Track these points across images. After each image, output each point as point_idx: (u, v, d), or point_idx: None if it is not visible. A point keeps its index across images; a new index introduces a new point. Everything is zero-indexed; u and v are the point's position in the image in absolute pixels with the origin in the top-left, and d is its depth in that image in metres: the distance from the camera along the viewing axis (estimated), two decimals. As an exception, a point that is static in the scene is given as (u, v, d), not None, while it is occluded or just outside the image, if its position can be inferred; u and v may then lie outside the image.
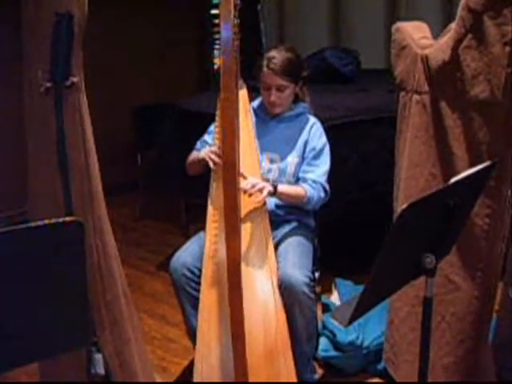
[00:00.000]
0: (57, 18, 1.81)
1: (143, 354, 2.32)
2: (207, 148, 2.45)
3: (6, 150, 2.07)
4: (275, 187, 2.39)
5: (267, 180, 2.49)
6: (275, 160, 2.54)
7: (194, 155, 2.58)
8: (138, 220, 4.78)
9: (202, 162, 2.42)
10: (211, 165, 2.36)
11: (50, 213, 1.89)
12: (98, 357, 2.00)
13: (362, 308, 1.53)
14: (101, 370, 2.02)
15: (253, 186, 2.29)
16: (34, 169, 2.05)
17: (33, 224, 1.27)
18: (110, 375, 2.07)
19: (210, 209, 2.43)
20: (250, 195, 2.30)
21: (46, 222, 1.28)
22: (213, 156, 2.35)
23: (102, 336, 2.06)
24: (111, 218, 2.21)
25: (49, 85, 1.87)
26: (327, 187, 2.51)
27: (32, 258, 1.31)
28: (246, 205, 2.34)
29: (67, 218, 1.32)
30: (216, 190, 2.42)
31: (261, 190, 2.31)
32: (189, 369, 2.67)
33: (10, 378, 2.50)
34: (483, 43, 1.94)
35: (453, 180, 1.62)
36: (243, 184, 2.28)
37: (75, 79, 1.90)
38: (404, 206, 1.42)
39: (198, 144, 2.65)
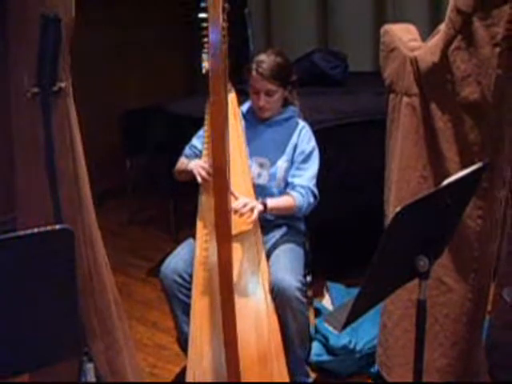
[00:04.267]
0: (44, 21, 1.79)
1: (135, 363, 2.30)
2: (196, 161, 2.43)
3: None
4: (265, 205, 2.37)
5: (257, 186, 2.48)
6: (265, 165, 2.53)
7: (183, 164, 2.56)
8: (127, 226, 4.75)
9: (190, 174, 2.40)
10: (199, 179, 2.34)
11: (39, 221, 1.86)
12: (89, 366, 1.98)
13: (356, 312, 1.52)
14: (92, 379, 2.00)
15: (243, 206, 2.28)
16: (22, 176, 2.02)
17: (22, 232, 1.25)
18: (101, 384, 2.05)
19: (199, 216, 2.42)
20: (241, 215, 2.28)
21: (36, 230, 1.26)
22: (202, 172, 2.33)
23: (93, 345, 2.04)
24: (100, 224, 2.18)
25: (35, 90, 1.84)
26: (316, 191, 2.50)
27: (21, 266, 1.29)
28: (236, 220, 2.32)
29: (56, 226, 1.30)
30: (204, 198, 2.40)
31: (252, 209, 2.30)
32: (181, 375, 2.65)
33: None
34: (473, 45, 1.94)
35: (445, 182, 1.61)
36: (234, 204, 2.26)
37: (63, 84, 1.88)
38: (397, 209, 1.41)
39: (187, 149, 2.63)
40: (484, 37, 1.90)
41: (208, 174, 2.31)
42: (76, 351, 1.55)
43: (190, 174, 2.41)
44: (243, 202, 2.28)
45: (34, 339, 1.35)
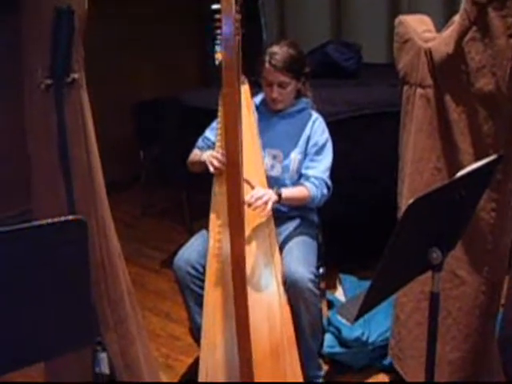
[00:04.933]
0: (57, 13, 1.79)
1: (148, 353, 2.31)
2: (209, 152, 2.44)
3: (4, 149, 2.06)
4: (279, 195, 2.37)
5: (271, 178, 2.48)
6: (278, 157, 2.53)
7: (196, 156, 2.57)
8: (141, 217, 4.77)
9: (204, 165, 2.40)
10: (211, 169, 2.34)
11: (53, 212, 1.87)
12: (103, 356, 1.99)
13: (368, 304, 1.52)
14: (105, 370, 2.01)
15: (257, 200, 2.28)
16: (36, 167, 2.03)
17: (36, 223, 1.26)
18: (115, 374, 2.06)
19: (212, 207, 2.42)
20: (255, 208, 2.28)
21: (49, 220, 1.26)
22: (214, 161, 2.33)
23: (106, 335, 2.05)
24: (113, 215, 2.19)
25: (49, 82, 1.85)
26: (329, 183, 2.50)
27: (35, 257, 1.30)
28: (250, 214, 2.32)
29: (70, 217, 1.31)
30: (218, 189, 2.41)
31: (266, 202, 2.29)
32: (194, 366, 2.66)
33: (15, 377, 2.50)
34: (488, 35, 1.92)
35: (459, 174, 1.60)
36: (247, 198, 2.26)
37: (76, 75, 1.88)
38: (411, 200, 1.41)
39: (200, 141, 2.64)
40: (499, 27, 1.88)
41: (220, 163, 2.30)
42: (89, 341, 1.56)
43: (203, 165, 2.41)
44: (256, 195, 2.28)
45: (47, 329, 1.36)
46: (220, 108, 2.42)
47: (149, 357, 2.30)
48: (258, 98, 2.63)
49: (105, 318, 2.05)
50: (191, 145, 2.66)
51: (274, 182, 2.48)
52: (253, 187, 2.33)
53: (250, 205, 2.26)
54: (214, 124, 2.56)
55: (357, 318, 1.53)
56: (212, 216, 2.42)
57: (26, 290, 1.31)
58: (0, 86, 2.01)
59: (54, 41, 1.80)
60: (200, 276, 2.40)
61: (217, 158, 2.33)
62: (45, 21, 1.80)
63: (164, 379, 2.65)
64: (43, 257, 1.30)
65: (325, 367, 2.68)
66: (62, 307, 1.38)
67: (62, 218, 1.29)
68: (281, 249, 2.42)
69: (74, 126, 1.92)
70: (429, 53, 2.13)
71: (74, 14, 1.84)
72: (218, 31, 2.10)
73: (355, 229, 3.28)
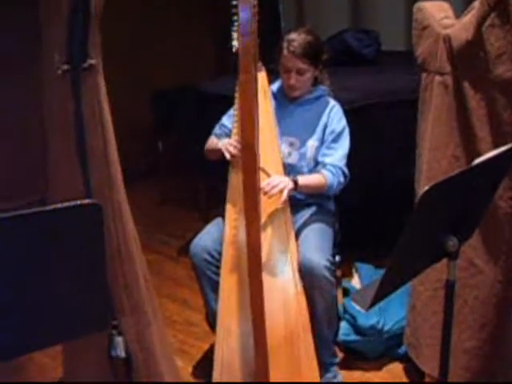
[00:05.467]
0: (74, -1, 1.80)
1: (164, 338, 2.33)
2: (225, 140, 2.44)
3: (19, 137, 2.07)
4: (295, 182, 2.37)
5: (287, 166, 2.47)
6: (295, 144, 2.52)
7: (213, 143, 2.57)
8: (159, 205, 4.79)
9: (220, 152, 2.41)
10: (228, 156, 2.35)
11: (70, 197, 1.88)
12: (119, 340, 2.01)
13: (383, 291, 1.51)
14: (122, 353, 2.03)
15: (273, 187, 2.27)
16: (53, 155, 2.05)
17: (51, 207, 1.27)
18: (131, 358, 2.08)
19: (228, 195, 2.43)
20: (271, 196, 2.28)
21: (65, 204, 1.27)
22: (230, 148, 2.33)
23: (122, 321, 2.06)
24: (132, 203, 2.20)
25: (66, 67, 1.85)
26: (346, 171, 2.49)
27: (51, 240, 1.31)
28: (265, 201, 2.32)
29: (85, 201, 1.32)
30: (234, 177, 2.41)
31: (281, 190, 2.29)
32: (210, 352, 2.68)
33: (32, 359, 2.53)
34: (507, 22, 1.89)
35: (476, 161, 1.59)
36: (263, 184, 2.26)
37: (93, 61, 1.88)
38: (426, 187, 1.40)
39: (217, 128, 2.64)
40: (519, 13, 1.85)
41: (237, 150, 2.31)
42: (105, 324, 1.58)
43: (220, 153, 2.41)
44: (272, 183, 2.28)
45: (63, 311, 1.38)
46: (237, 95, 2.41)
47: (164, 342, 2.32)
48: (275, 86, 2.62)
49: (120, 302, 2.07)
50: (209, 133, 2.66)
51: (290, 170, 2.48)
52: (269, 175, 2.33)
53: (265, 193, 2.26)
54: (231, 111, 2.56)
55: (371, 305, 1.53)
56: (228, 203, 2.43)
57: (41, 273, 1.32)
58: (20, 74, 2.02)
59: (71, 26, 1.80)
60: (216, 263, 2.41)
61: (233, 145, 2.33)
62: (62, 6, 1.81)
63: (180, 364, 2.67)
64: (59, 240, 1.31)
65: (340, 355, 2.68)
66: (78, 291, 1.39)
67: (78, 202, 1.30)
68: (297, 236, 2.42)
69: (91, 111, 1.92)
70: (447, 39, 2.11)
71: (90, 0, 1.84)
72: (235, 17, 2.09)
73: (372, 217, 3.27)
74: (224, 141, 2.44)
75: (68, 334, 1.44)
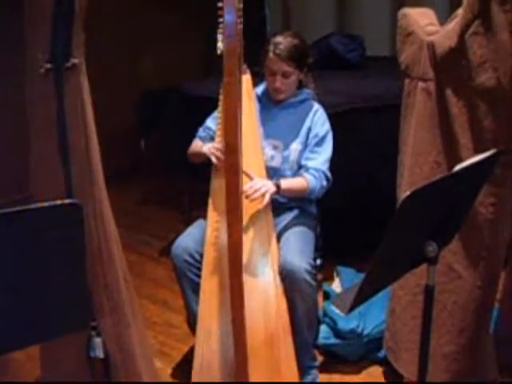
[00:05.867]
0: (57, -2, 1.79)
1: (143, 339, 2.32)
2: (209, 144, 2.44)
3: (5, 136, 2.06)
4: (278, 186, 2.37)
5: (271, 169, 2.48)
6: (278, 147, 2.53)
7: (197, 147, 2.57)
8: (141, 205, 4.77)
9: (204, 157, 2.41)
10: (214, 160, 2.35)
11: (52, 196, 1.88)
12: (98, 341, 2.00)
13: (362, 296, 1.52)
14: (100, 354, 2.02)
15: (255, 191, 2.28)
16: (36, 153, 2.03)
17: (31, 206, 1.26)
18: (110, 359, 2.07)
19: (211, 196, 2.43)
20: (253, 200, 2.29)
21: (45, 204, 1.27)
22: (216, 152, 2.33)
23: (101, 321, 2.06)
24: (113, 202, 2.20)
25: (49, 66, 1.84)
26: (329, 175, 2.50)
27: (31, 240, 1.30)
28: (247, 204, 2.32)
29: (66, 201, 1.31)
30: (216, 179, 2.41)
31: (263, 194, 2.29)
32: (190, 354, 2.67)
33: (11, 359, 2.51)
34: (490, 30, 1.91)
35: (457, 168, 1.60)
36: (246, 187, 2.26)
37: (76, 61, 1.88)
38: (407, 193, 1.40)
39: (201, 131, 2.63)
40: (502, 22, 1.87)
41: (222, 153, 2.31)
42: (84, 325, 1.57)
43: (204, 157, 2.41)
44: (255, 186, 2.28)
45: (42, 312, 1.37)
46: (221, 97, 2.41)
47: (144, 343, 2.31)
48: (260, 89, 2.62)
49: (100, 303, 2.06)
50: (192, 134, 2.66)
51: (273, 173, 2.49)
52: (251, 178, 2.33)
53: (247, 196, 2.26)
54: (216, 113, 2.56)
55: (351, 309, 1.53)
56: (210, 204, 2.43)
57: (21, 273, 1.31)
58: (6, 75, 2.01)
59: (54, 25, 1.79)
60: (197, 264, 2.40)
61: (218, 149, 2.33)
62: (45, 5, 1.80)
63: (159, 366, 2.67)
64: (38, 240, 1.30)
65: (319, 358, 2.69)
66: (58, 291, 1.38)
67: (58, 202, 1.29)
68: (278, 239, 2.42)
69: (73, 111, 1.92)
70: (431, 46, 2.12)
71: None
72: (220, 19, 2.09)
73: (354, 221, 3.29)
74: (208, 145, 2.44)
75: (48, 334, 1.43)
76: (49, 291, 1.37)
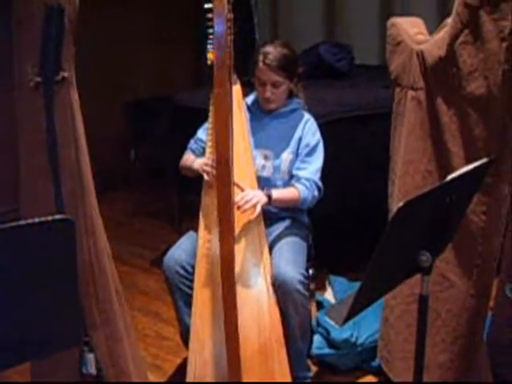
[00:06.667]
0: (47, 11, 1.78)
1: (136, 353, 2.30)
2: (200, 160, 2.43)
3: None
4: (269, 196, 2.37)
5: (262, 179, 2.47)
6: (269, 157, 2.52)
7: (188, 161, 2.56)
8: (132, 216, 4.75)
9: (196, 172, 2.41)
10: (206, 177, 2.34)
11: (42, 211, 1.86)
12: (90, 356, 1.98)
13: (357, 307, 1.51)
14: (92, 370, 2.00)
15: (246, 202, 2.27)
16: (25, 167, 2.02)
17: (22, 222, 1.25)
18: (102, 375, 2.05)
19: (202, 207, 2.42)
20: (244, 211, 2.28)
21: (36, 220, 1.25)
22: (207, 168, 2.33)
23: (94, 335, 2.04)
24: (104, 214, 2.18)
25: (38, 79, 1.83)
26: (320, 185, 2.50)
27: (22, 256, 1.29)
28: (239, 215, 2.32)
29: (57, 216, 1.30)
30: (208, 190, 2.40)
31: (255, 205, 2.29)
32: (182, 366, 2.65)
33: (1, 377, 2.48)
34: (480, 39, 1.92)
35: (449, 177, 1.60)
36: (237, 199, 2.26)
37: (66, 74, 1.87)
38: (400, 203, 1.40)
39: (192, 143, 2.63)
40: (491, 31, 1.88)
41: (213, 168, 2.30)
42: (76, 341, 1.55)
43: (196, 172, 2.42)
44: (246, 197, 2.28)
45: (34, 329, 1.35)
46: (211, 108, 2.41)
47: (136, 357, 2.29)
48: (250, 99, 2.62)
49: (92, 317, 2.04)
50: (183, 145, 2.65)
51: (264, 183, 2.48)
52: (242, 189, 2.32)
53: (239, 207, 2.26)
54: (206, 124, 2.55)
55: (346, 321, 1.52)
56: (202, 216, 2.42)
57: (12, 289, 1.30)
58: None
59: (44, 39, 1.79)
60: (189, 276, 2.39)
61: (209, 165, 2.33)
62: (35, 18, 1.79)
63: (152, 379, 2.64)
64: (30, 256, 1.29)
65: (313, 368, 2.68)
66: (49, 307, 1.37)
67: (50, 218, 1.28)
68: (270, 249, 2.41)
69: (64, 124, 1.91)
70: (421, 55, 2.13)
71: (64, 12, 1.83)
72: (210, 30, 2.09)
73: (346, 230, 3.28)
74: (199, 160, 2.44)
75: (40, 352, 1.42)
76: (40, 308, 1.35)
